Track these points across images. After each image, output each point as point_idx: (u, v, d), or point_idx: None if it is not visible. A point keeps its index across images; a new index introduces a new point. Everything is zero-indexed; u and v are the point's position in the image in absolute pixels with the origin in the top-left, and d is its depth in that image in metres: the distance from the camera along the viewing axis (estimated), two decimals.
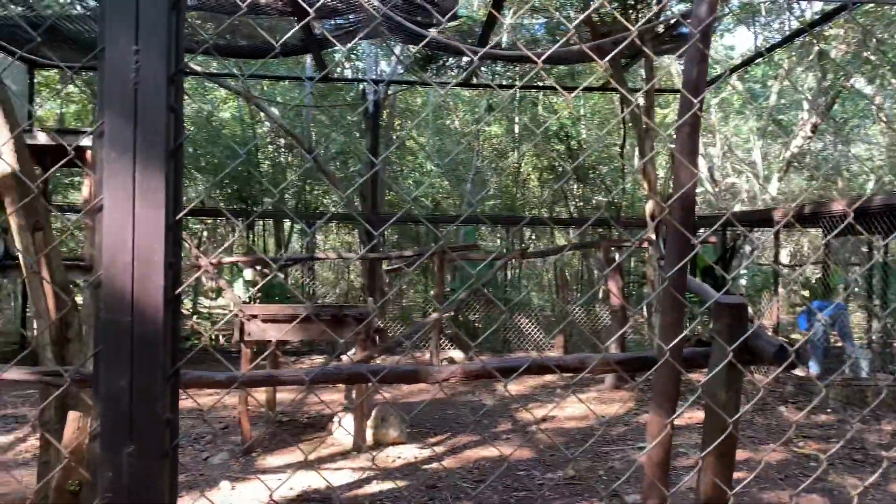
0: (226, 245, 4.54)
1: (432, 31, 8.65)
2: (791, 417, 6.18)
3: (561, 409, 6.56)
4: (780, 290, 11.12)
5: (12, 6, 8.02)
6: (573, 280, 13.15)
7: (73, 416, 2.92)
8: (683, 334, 2.08)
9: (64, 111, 13.76)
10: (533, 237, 14.79)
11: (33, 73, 10.09)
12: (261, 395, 6.07)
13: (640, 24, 6.97)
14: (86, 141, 7.41)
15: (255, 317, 4.86)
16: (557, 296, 12.20)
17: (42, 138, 7.17)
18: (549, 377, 7.98)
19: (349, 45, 9.35)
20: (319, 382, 1.42)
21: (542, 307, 12.29)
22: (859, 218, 7.02)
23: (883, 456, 4.96)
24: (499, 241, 14.83)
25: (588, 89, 11.64)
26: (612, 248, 8.51)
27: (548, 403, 6.86)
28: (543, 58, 1.82)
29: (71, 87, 13.15)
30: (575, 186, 14.03)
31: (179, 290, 0.87)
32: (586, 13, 6.94)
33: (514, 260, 11.16)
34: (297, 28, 7.29)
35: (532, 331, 10.77)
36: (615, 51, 2.18)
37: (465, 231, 11.97)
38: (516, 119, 14.52)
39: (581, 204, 14.07)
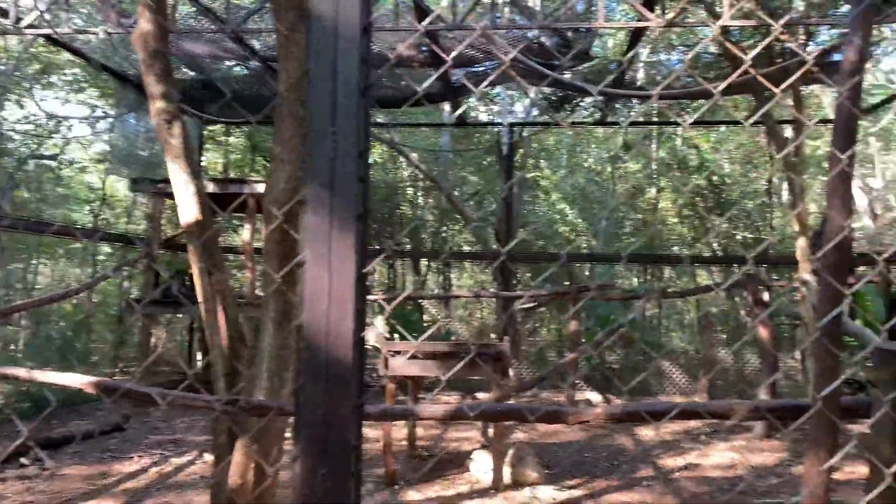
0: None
1: (566, 74, 8.75)
2: None
3: (706, 457, 6.26)
4: None
5: (188, 71, 9.04)
6: (718, 321, 12.53)
7: (241, 441, 3.21)
8: (838, 381, 2.00)
9: (226, 161, 15.14)
10: (672, 276, 14.29)
11: (202, 129, 11.24)
12: (402, 429, 6.29)
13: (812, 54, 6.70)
14: (247, 189, 8.16)
15: (398, 352, 5.09)
16: (700, 338, 11.67)
17: (211, 187, 7.97)
18: (692, 423, 7.64)
19: (481, 87, 9.66)
20: (481, 418, 1.53)
21: (685, 349, 11.80)
22: None
23: None
24: (635, 280, 14.47)
25: (742, 123, 11.23)
26: (760, 289, 8.07)
27: (691, 451, 6.57)
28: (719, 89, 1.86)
29: (232, 139, 14.50)
30: (718, 223, 13.46)
31: (363, 333, 1.01)
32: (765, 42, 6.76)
33: (652, 300, 10.84)
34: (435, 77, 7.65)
35: (673, 374, 10.36)
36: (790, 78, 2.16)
37: (600, 269, 11.81)
38: (653, 155, 14.23)
39: (725, 241, 13.46)
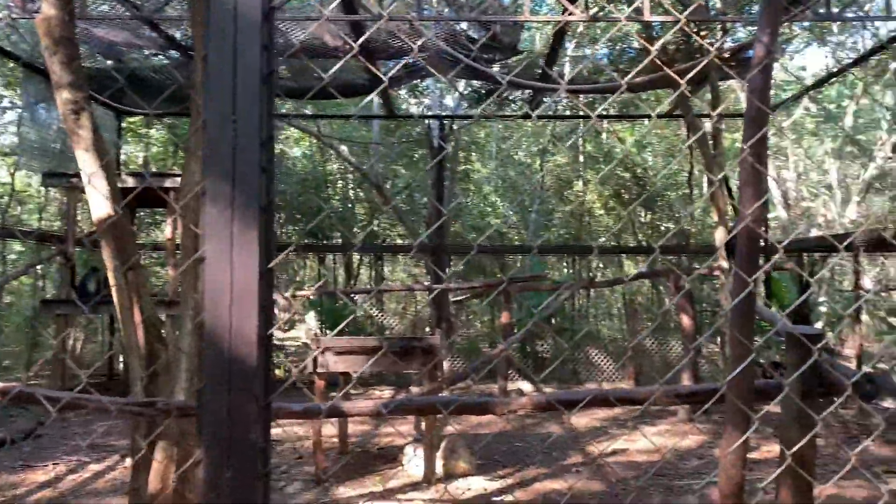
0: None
1: (495, 67, 8.80)
2: (878, 451, 5.88)
3: (632, 442, 6.44)
4: (864, 317, 10.63)
5: (104, 59, 8.64)
6: (643, 309, 12.91)
7: (161, 444, 3.09)
8: (744, 364, 2.07)
9: (147, 154, 14.60)
10: (600, 266, 14.62)
11: (120, 120, 10.78)
12: (333, 426, 6.21)
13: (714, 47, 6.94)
14: (168, 183, 7.88)
15: (328, 349, 5.02)
16: (627, 326, 12.00)
17: (130, 182, 7.66)
18: (619, 409, 7.83)
19: (390, 74, 9.61)
20: (395, 414, 1.51)
21: (614, 338, 12.10)
22: None
23: None
24: (565, 270, 14.74)
25: (652, 116, 11.55)
26: (682, 277, 8.35)
27: (619, 436, 6.75)
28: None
29: (153, 132, 13.97)
30: (643, 214, 13.85)
31: (271, 329, 0.97)
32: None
33: (581, 290, 11.08)
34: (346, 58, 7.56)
35: (602, 362, 10.61)
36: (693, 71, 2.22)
37: (532, 261, 11.98)
38: (580, 148, 14.52)
39: (650, 232, 13.86)
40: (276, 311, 11.37)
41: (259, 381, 0.92)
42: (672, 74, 2.49)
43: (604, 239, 14.40)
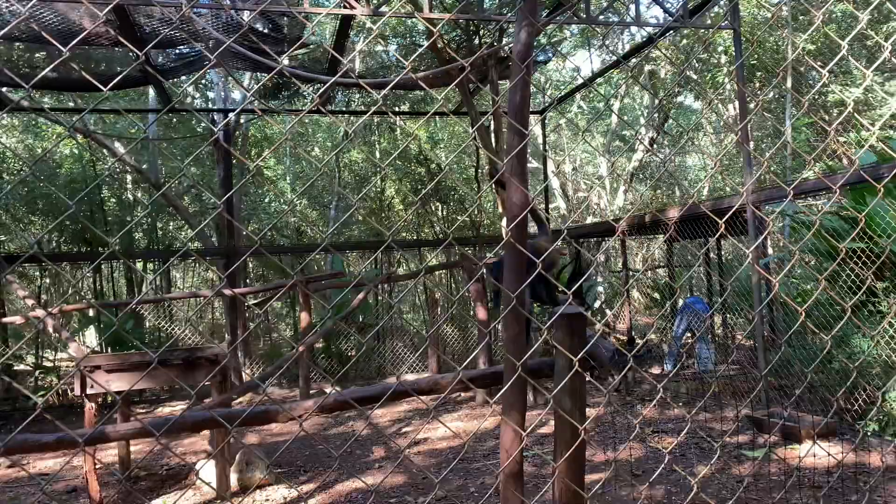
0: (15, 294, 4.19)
1: (284, 60, 8.52)
2: (647, 415, 6.55)
3: (434, 431, 6.57)
4: (635, 293, 11.85)
5: None
6: (444, 299, 13.28)
7: None
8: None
9: None
10: (404, 260, 14.84)
11: None
12: (112, 450, 5.63)
13: (478, 52, 7.23)
14: None
15: (97, 367, 4.50)
16: (429, 317, 12.26)
17: None
18: (420, 401, 7.96)
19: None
20: (98, 443, 1.32)
21: (420, 330, 12.32)
22: (692, 222, 7.62)
23: (724, 442, 5.38)
24: (369, 266, 14.76)
25: (439, 114, 11.92)
26: (475, 266, 8.70)
27: (421, 427, 6.85)
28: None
29: None
30: (439, 208, 14.26)
31: None
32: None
33: (383, 284, 11.12)
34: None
35: (406, 354, 10.74)
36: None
37: (333, 259, 11.82)
38: (376, 144, 14.60)
39: (446, 225, 14.31)
40: (49, 328, 10.09)
41: None
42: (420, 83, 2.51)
43: (406, 234, 14.63)
